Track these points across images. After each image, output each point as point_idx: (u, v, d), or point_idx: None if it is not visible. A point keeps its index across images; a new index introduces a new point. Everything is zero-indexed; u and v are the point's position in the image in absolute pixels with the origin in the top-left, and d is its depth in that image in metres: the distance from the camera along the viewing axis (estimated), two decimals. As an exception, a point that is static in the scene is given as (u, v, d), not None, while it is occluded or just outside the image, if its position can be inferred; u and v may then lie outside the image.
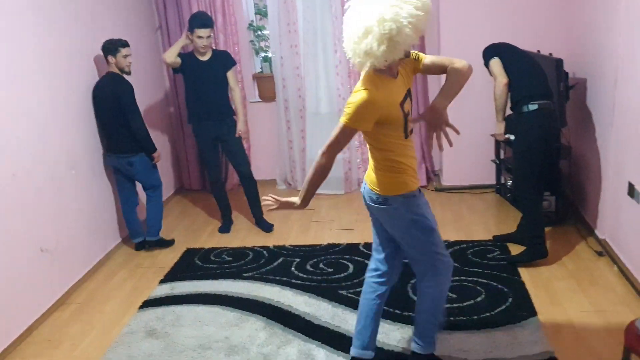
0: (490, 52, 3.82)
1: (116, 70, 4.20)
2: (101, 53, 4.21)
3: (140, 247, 4.57)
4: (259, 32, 5.76)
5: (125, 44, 4.19)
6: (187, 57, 4.44)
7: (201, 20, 4.34)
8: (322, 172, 2.39)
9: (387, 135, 2.40)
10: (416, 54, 2.48)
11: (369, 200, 2.56)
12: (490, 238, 4.25)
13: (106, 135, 4.35)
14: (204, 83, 4.46)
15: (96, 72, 4.37)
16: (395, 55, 2.18)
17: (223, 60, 4.55)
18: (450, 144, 2.47)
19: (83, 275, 4.07)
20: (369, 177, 2.54)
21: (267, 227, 4.78)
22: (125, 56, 4.19)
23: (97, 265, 4.27)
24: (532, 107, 3.63)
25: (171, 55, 4.35)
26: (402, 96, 2.38)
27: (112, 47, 4.15)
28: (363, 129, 2.32)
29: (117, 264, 4.36)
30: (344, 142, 2.35)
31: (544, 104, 3.64)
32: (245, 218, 5.04)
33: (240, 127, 4.62)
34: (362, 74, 2.33)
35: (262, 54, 5.84)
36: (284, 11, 5.29)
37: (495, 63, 3.76)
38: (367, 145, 2.52)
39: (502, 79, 3.71)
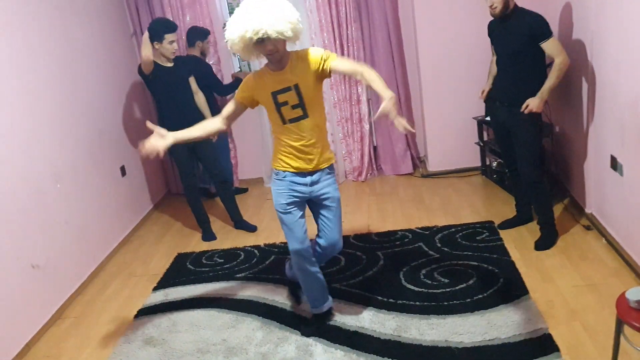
0: (550, 28, 3.46)
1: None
2: (75, 62, 4.19)
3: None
4: (235, 32, 5.73)
5: None
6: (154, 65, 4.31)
7: (169, 25, 4.28)
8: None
9: (269, 116, 2.94)
10: (327, 55, 2.80)
11: None
12: (479, 220, 4.28)
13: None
14: (175, 90, 4.38)
15: (73, 81, 4.35)
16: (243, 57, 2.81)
17: (187, 65, 4.52)
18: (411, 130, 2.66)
19: (77, 288, 4.06)
20: None
21: (249, 228, 4.78)
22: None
23: (90, 277, 4.25)
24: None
25: (149, 53, 4.15)
26: (277, 87, 2.80)
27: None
28: (238, 98, 2.93)
29: (110, 275, 4.35)
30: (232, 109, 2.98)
31: None
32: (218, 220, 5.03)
33: None
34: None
35: (240, 53, 5.82)
36: (258, 9, 5.26)
37: (557, 41, 3.49)
38: None
39: (568, 58, 3.45)
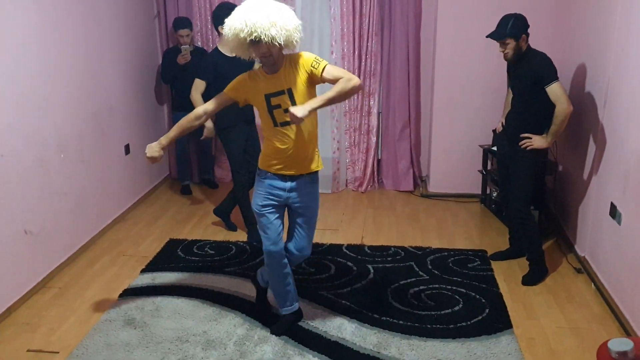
0: (554, 73, 3.45)
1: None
2: (97, 39, 4.20)
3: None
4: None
5: None
6: (215, 54, 4.19)
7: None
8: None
9: (261, 117, 2.94)
10: (317, 63, 2.80)
11: None
12: (472, 247, 4.29)
13: None
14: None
15: (92, 56, 4.36)
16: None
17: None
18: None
19: (66, 259, 4.06)
20: None
21: (230, 226, 4.71)
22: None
23: (81, 249, 4.26)
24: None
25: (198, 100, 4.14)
26: (271, 90, 2.83)
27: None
28: (230, 93, 2.95)
29: (101, 250, 4.35)
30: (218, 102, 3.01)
31: None
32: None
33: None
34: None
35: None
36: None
37: (560, 87, 3.45)
38: None
39: (569, 106, 3.44)
